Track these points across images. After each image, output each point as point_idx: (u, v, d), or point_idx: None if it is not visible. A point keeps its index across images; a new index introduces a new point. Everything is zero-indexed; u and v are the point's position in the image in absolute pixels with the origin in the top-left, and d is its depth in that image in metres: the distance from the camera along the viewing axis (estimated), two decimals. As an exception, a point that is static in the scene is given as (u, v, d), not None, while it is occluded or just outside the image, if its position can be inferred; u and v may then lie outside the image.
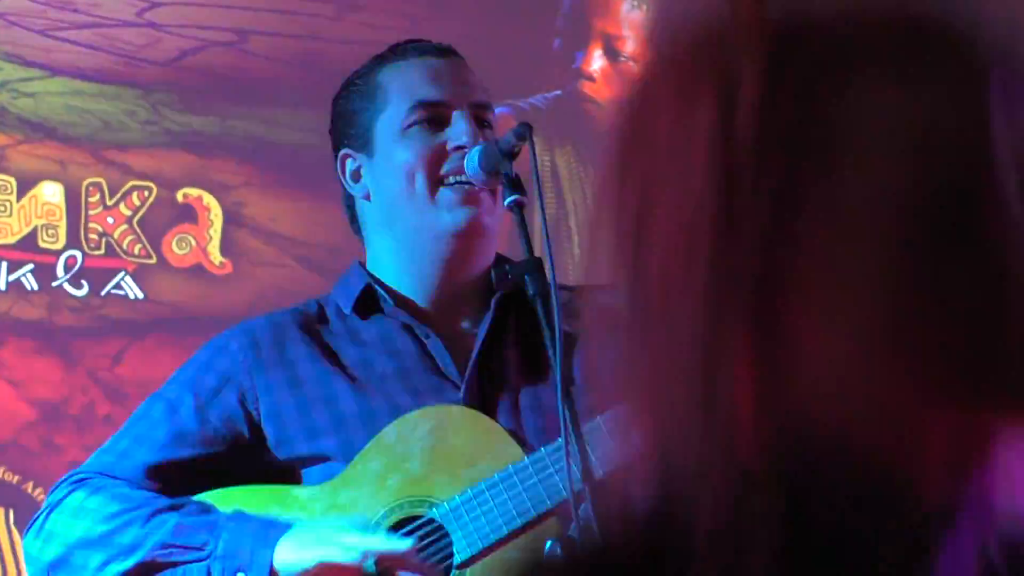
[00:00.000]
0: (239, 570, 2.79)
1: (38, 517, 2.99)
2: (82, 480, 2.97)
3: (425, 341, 2.99)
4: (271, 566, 2.77)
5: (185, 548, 2.83)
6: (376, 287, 3.04)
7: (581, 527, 2.48)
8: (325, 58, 6.00)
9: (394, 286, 3.04)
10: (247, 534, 2.80)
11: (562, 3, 6.34)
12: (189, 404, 2.99)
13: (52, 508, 2.97)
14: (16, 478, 5.60)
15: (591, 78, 6.28)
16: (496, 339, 2.99)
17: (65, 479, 3.00)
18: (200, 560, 2.82)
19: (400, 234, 3.03)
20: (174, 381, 3.04)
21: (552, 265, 2.66)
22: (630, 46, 6.33)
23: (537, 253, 2.71)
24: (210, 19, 5.96)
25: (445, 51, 3.10)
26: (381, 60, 3.12)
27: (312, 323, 3.06)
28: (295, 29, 6.01)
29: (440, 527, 2.80)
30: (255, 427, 2.98)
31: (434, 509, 2.81)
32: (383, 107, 3.06)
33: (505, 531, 2.76)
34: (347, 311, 3.05)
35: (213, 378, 3.01)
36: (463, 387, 2.94)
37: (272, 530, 2.80)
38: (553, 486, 2.73)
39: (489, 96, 3.09)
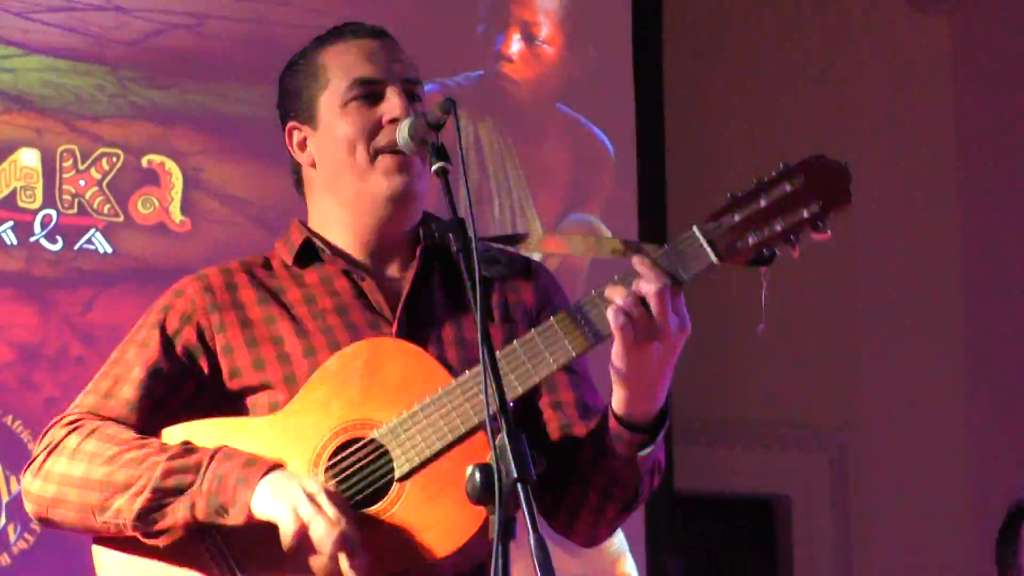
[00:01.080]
0: (222, 507, 2.78)
1: (37, 457, 2.95)
2: (75, 422, 2.94)
3: (360, 283, 3.00)
4: (249, 507, 2.76)
5: (174, 490, 2.80)
6: (316, 240, 3.04)
7: (497, 452, 2.45)
8: (273, 39, 6.00)
9: (334, 241, 3.04)
10: (231, 473, 2.78)
11: (484, -8, 6.37)
12: (157, 343, 2.97)
13: (50, 449, 2.93)
14: (-3, 412, 5.58)
15: (510, 60, 6.30)
16: (422, 283, 3.00)
17: (58, 421, 2.97)
18: (182, 499, 2.80)
19: (342, 197, 3.02)
20: (143, 325, 3.01)
21: (473, 222, 2.65)
22: (545, 31, 6.35)
23: (461, 213, 2.69)
24: (171, 4, 5.94)
25: (379, 33, 3.09)
26: (322, 42, 3.12)
27: (259, 272, 3.05)
28: (246, 14, 6.01)
29: (381, 446, 2.79)
30: (213, 361, 2.96)
31: (375, 431, 2.80)
32: (325, 84, 3.05)
33: (439, 446, 2.76)
34: (289, 263, 3.05)
35: (175, 319, 2.98)
36: (395, 322, 2.94)
37: (253, 469, 2.78)
38: (478, 404, 2.74)
39: (418, 73, 3.08)
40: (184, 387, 2.96)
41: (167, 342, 2.96)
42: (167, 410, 2.94)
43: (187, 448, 2.84)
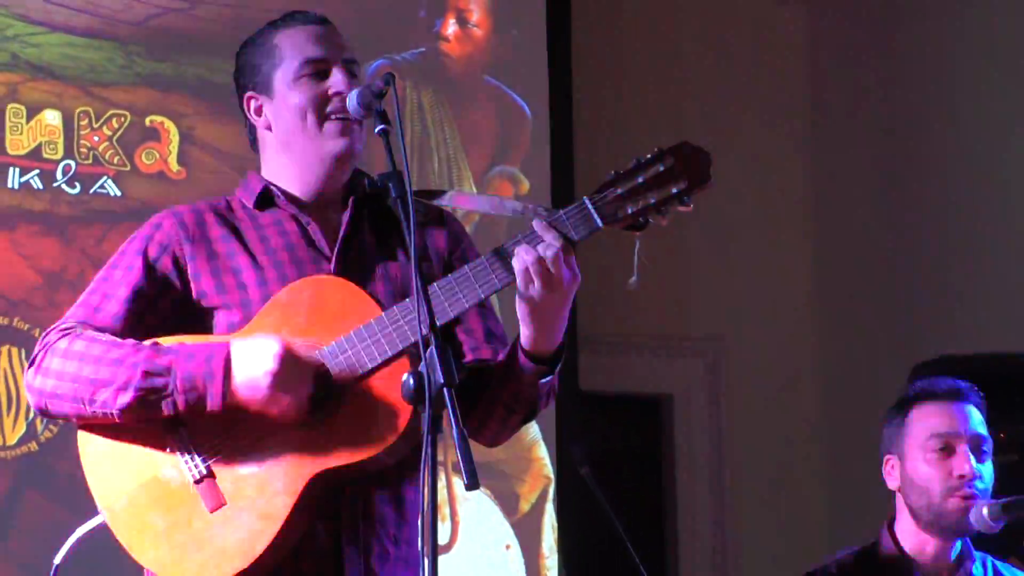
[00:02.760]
0: (199, 399, 2.77)
1: (36, 356, 2.92)
2: (67, 329, 2.92)
3: (307, 226, 2.99)
4: (223, 390, 2.76)
5: (153, 389, 2.78)
6: (272, 188, 3.03)
7: (427, 364, 2.47)
8: (252, 21, 5.89)
9: (285, 188, 3.02)
10: (198, 371, 2.77)
11: (426, -16, 6.34)
12: (139, 266, 2.95)
13: (46, 350, 2.91)
14: (27, 326, 5.55)
15: (447, 40, 6.28)
16: (355, 227, 2.99)
17: (53, 328, 2.95)
18: (167, 396, 2.78)
19: (294, 155, 3.01)
20: (126, 252, 3.00)
21: (408, 174, 2.67)
22: (475, 16, 6.34)
23: (399, 167, 2.69)
24: (169, -8, 5.93)
25: (324, 20, 3.08)
26: (275, 25, 3.09)
27: (224, 212, 3.04)
28: (232, 0, 5.96)
29: (323, 364, 2.78)
30: (185, 284, 2.95)
31: (317, 351, 2.79)
32: (280, 62, 3.02)
33: (370, 366, 2.76)
34: (250, 205, 3.03)
35: (155, 248, 2.97)
36: (333, 259, 2.94)
37: (213, 363, 2.77)
38: (403, 334, 2.74)
39: (355, 55, 3.06)
40: (161, 305, 2.93)
41: (148, 267, 2.94)
42: (146, 324, 2.92)
43: (158, 349, 2.82)
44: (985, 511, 3.49)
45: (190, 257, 2.94)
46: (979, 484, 3.59)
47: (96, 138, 5.72)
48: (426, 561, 2.44)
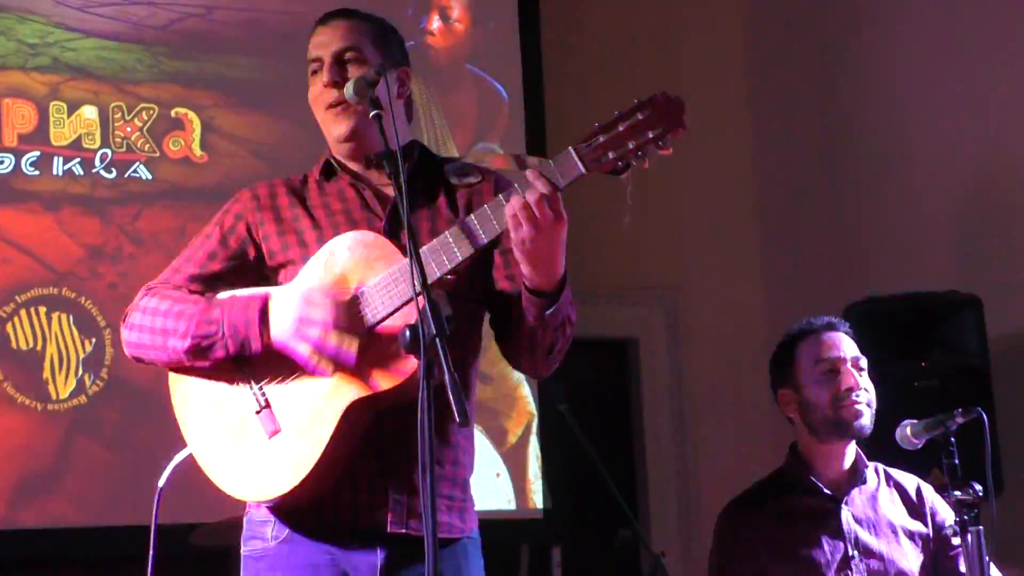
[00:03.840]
0: (243, 343, 2.80)
1: (127, 314, 2.98)
2: (150, 289, 2.97)
3: (363, 192, 2.99)
4: (260, 333, 2.78)
5: (206, 336, 2.82)
6: (332, 161, 3.05)
7: (421, 315, 2.48)
8: (262, 24, 5.96)
9: (343, 161, 3.04)
10: (239, 319, 2.80)
11: (412, -14, 6.33)
12: (216, 234, 2.99)
13: (134, 308, 2.96)
14: (73, 294, 5.55)
15: (432, 34, 6.27)
16: (408, 195, 2.91)
17: (144, 288, 3.00)
18: (218, 341, 2.82)
19: (326, 137, 3.05)
20: (210, 222, 3.05)
21: (400, 152, 2.67)
22: (456, 13, 6.32)
23: (392, 147, 2.69)
24: (188, -1, 5.91)
25: (328, 18, 3.06)
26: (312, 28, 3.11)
27: (295, 184, 3.05)
28: (244, 4, 5.97)
29: (359, 300, 2.79)
30: (257, 247, 2.97)
31: (352, 292, 2.80)
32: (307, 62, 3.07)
33: (394, 304, 2.75)
34: (317, 177, 3.04)
35: (231, 218, 3.00)
36: (384, 218, 2.93)
37: (252, 307, 2.81)
38: (410, 288, 2.71)
39: (354, 39, 3.01)
40: (235, 267, 2.96)
41: (223, 235, 2.98)
42: (224, 280, 2.95)
43: (211, 302, 2.85)
44: (908, 430, 3.52)
45: (260, 223, 2.97)
46: (864, 394, 3.69)
47: (129, 129, 5.71)
48: (429, 499, 2.44)
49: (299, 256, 2.91)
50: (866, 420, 3.67)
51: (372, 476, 2.81)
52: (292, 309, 2.77)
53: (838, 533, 3.67)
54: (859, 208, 6.61)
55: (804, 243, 6.97)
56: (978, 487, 3.27)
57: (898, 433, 3.57)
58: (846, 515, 3.68)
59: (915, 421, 3.53)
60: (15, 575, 5.19)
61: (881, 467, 3.80)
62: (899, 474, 3.82)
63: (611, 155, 2.64)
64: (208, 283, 2.96)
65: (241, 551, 2.92)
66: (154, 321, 2.88)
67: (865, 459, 3.77)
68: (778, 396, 3.83)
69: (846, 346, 3.76)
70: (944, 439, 3.37)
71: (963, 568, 3.51)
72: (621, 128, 2.64)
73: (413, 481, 2.81)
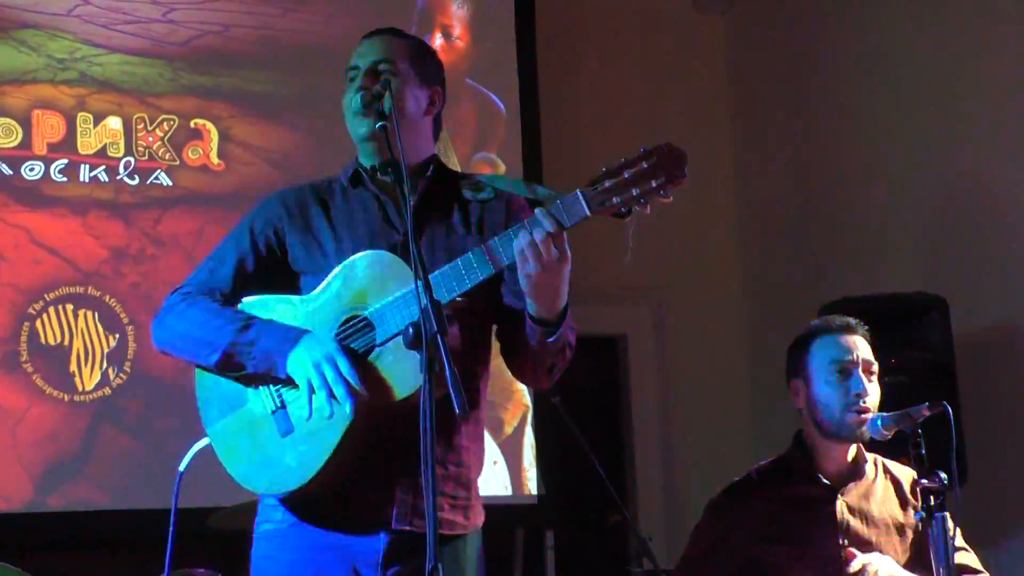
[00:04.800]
0: (269, 369, 2.78)
1: (160, 313, 2.96)
2: (187, 294, 2.94)
3: (385, 205, 2.96)
4: (287, 366, 2.76)
5: (239, 355, 2.81)
6: (360, 170, 3.01)
7: (423, 315, 2.47)
8: (277, 40, 5.96)
9: (367, 166, 3.01)
10: (272, 349, 2.78)
11: (416, 5, 6.28)
12: (247, 238, 2.96)
13: (168, 309, 2.94)
14: (99, 292, 5.55)
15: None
16: (422, 206, 2.94)
17: (177, 290, 2.97)
18: (249, 362, 2.80)
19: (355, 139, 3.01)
20: (240, 225, 3.02)
21: (404, 161, 2.66)
22: (457, 31, 6.32)
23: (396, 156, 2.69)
24: (206, 17, 5.89)
25: (373, 33, 3.04)
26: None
27: (322, 190, 3.01)
28: (258, 23, 5.96)
29: (370, 321, 2.76)
30: (284, 250, 2.94)
31: (366, 311, 2.78)
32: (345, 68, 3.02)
33: (402, 325, 2.70)
34: (345, 184, 3.01)
35: (260, 222, 2.97)
36: (402, 232, 2.90)
37: (288, 339, 2.78)
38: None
39: (390, 52, 2.96)
40: (264, 267, 2.94)
41: (253, 239, 2.95)
42: (252, 281, 2.93)
43: (246, 324, 2.83)
44: (880, 422, 3.50)
45: (288, 230, 2.94)
46: (869, 400, 3.62)
47: (151, 139, 5.71)
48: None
49: (318, 267, 2.89)
50: (868, 427, 3.60)
51: (379, 476, 2.80)
52: (316, 351, 2.74)
53: (831, 522, 3.64)
54: (833, 215, 6.61)
55: (781, 248, 6.97)
56: (943, 476, 3.25)
57: (869, 425, 3.55)
58: (841, 505, 3.66)
59: (885, 414, 3.52)
60: (44, 554, 5.18)
61: (880, 460, 3.76)
62: (896, 467, 3.78)
63: (615, 200, 2.62)
64: (241, 282, 2.94)
65: (255, 532, 2.92)
66: (189, 328, 2.87)
67: (865, 453, 3.73)
68: (790, 385, 3.76)
69: (860, 350, 3.67)
70: (912, 431, 3.35)
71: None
72: (626, 175, 2.62)
73: (418, 482, 2.77)
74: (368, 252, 2.83)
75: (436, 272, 2.72)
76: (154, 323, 2.95)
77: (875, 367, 3.67)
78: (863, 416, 3.58)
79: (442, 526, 2.81)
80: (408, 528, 2.80)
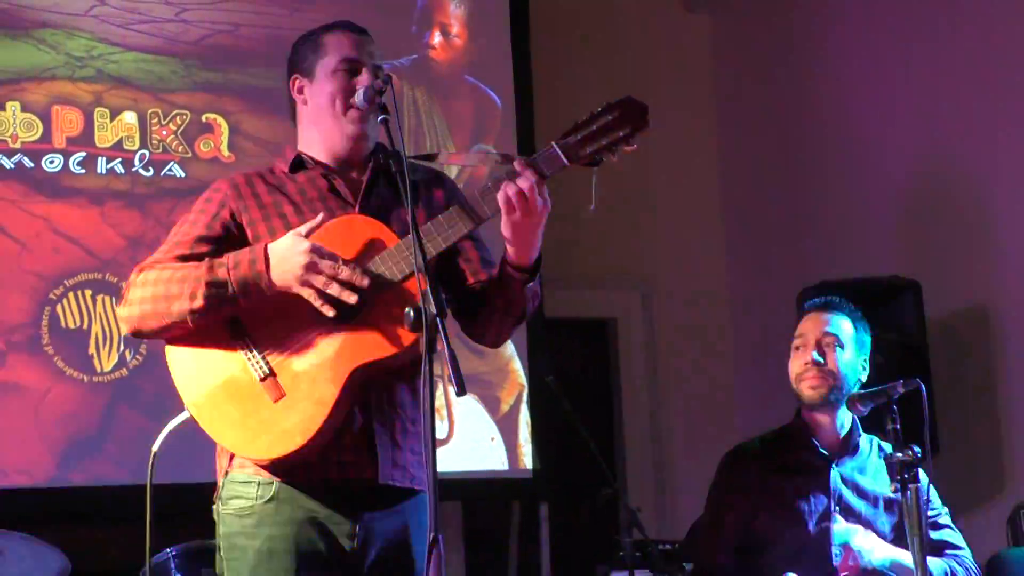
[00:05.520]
0: (257, 290, 2.76)
1: (122, 295, 2.91)
2: (142, 268, 2.90)
3: (334, 182, 2.97)
4: (268, 279, 2.75)
5: (216, 294, 2.77)
6: (303, 155, 3.00)
7: (423, 296, 2.50)
8: (284, 39, 5.88)
9: (315, 156, 3.00)
10: (248, 273, 2.77)
11: (416, 5, 6.26)
12: (202, 221, 2.92)
13: (128, 286, 2.90)
14: (115, 279, 5.55)
15: (434, 48, 6.25)
16: (373, 184, 2.96)
17: (133, 270, 2.92)
18: (229, 297, 2.78)
19: (322, 129, 2.98)
20: (194, 210, 2.97)
21: (404, 151, 2.68)
22: (455, 29, 6.31)
23: (397, 146, 2.69)
24: (217, 16, 5.87)
25: (363, 31, 3.05)
26: (326, 28, 3.05)
27: (268, 175, 3.00)
28: (267, 22, 5.94)
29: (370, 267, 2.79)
30: (242, 230, 2.91)
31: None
32: (323, 55, 2.98)
33: (402, 274, 2.76)
34: (286, 170, 3.00)
35: (214, 205, 2.94)
36: (357, 206, 2.92)
37: (257, 261, 2.77)
38: (409, 263, 2.73)
39: (382, 60, 3.02)
40: (221, 248, 2.89)
41: (209, 221, 2.91)
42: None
43: (212, 264, 2.80)
44: (856, 399, 3.53)
45: (244, 209, 2.91)
46: (818, 370, 3.69)
47: (164, 132, 5.70)
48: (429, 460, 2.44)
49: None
50: (820, 393, 3.68)
51: (357, 435, 2.80)
52: (299, 246, 2.74)
53: (825, 489, 3.69)
54: (813, 202, 6.61)
55: (763, 233, 6.97)
56: (917, 449, 3.27)
57: (847, 401, 3.58)
58: (835, 475, 3.70)
59: (862, 392, 3.54)
60: (66, 526, 5.19)
61: (876, 440, 3.80)
62: (890, 448, 3.81)
63: (588, 150, 2.71)
64: (198, 261, 2.89)
65: (219, 509, 2.89)
66: (155, 290, 2.82)
67: (860, 430, 3.76)
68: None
69: (817, 324, 3.76)
70: (887, 407, 3.37)
71: (933, 534, 3.57)
72: (595, 127, 2.71)
73: (395, 437, 2.83)
74: (345, 215, 2.86)
75: (422, 227, 2.74)
76: (118, 308, 2.90)
77: (832, 341, 3.73)
78: (810, 384, 3.69)
79: (414, 481, 2.85)
80: (389, 483, 2.82)
